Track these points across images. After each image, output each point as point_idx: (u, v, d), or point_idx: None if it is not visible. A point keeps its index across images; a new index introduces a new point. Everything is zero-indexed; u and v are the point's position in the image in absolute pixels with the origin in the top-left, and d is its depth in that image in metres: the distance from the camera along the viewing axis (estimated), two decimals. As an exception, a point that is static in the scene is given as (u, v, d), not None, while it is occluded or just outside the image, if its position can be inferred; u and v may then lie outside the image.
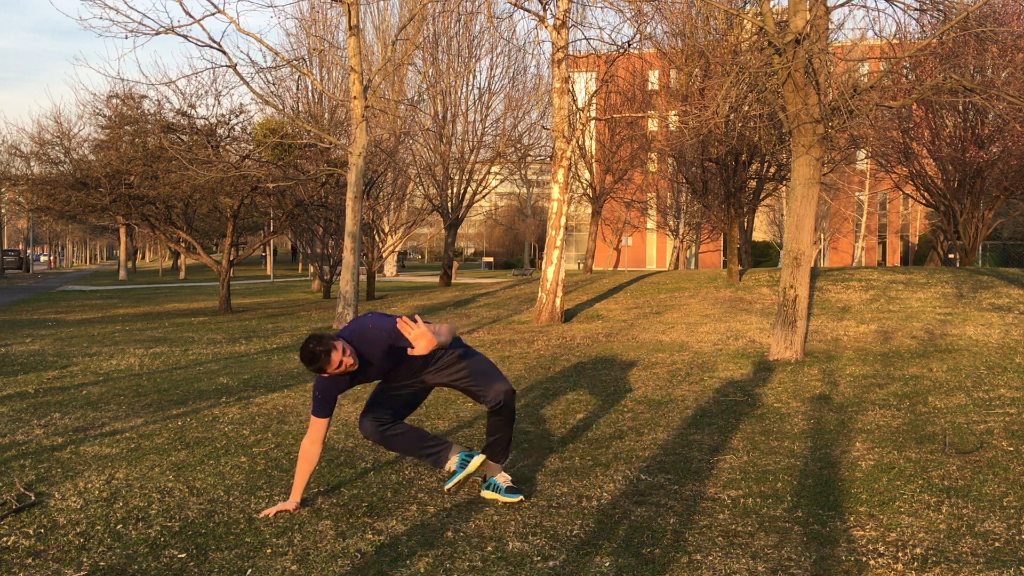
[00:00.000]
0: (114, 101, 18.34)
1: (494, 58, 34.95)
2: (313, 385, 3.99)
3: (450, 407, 6.34)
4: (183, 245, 19.46)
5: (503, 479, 4.09)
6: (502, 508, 3.93)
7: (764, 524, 3.64)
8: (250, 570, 3.23)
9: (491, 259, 59.24)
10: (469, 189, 25.94)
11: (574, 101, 14.06)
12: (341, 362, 3.72)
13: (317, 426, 3.97)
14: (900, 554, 3.27)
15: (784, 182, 16.52)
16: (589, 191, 27.56)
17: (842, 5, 8.19)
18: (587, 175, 27.59)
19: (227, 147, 17.87)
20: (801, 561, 3.21)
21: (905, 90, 11.48)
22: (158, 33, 12.01)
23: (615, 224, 36.34)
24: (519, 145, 25.88)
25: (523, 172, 37.48)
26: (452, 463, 4.16)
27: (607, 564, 3.20)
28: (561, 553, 3.32)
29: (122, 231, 44.81)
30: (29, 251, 55.72)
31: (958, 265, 20.29)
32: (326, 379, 3.89)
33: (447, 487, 4.11)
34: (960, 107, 18.27)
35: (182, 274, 47.11)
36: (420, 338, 3.74)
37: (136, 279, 44.08)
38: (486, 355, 8.95)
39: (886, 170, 22.34)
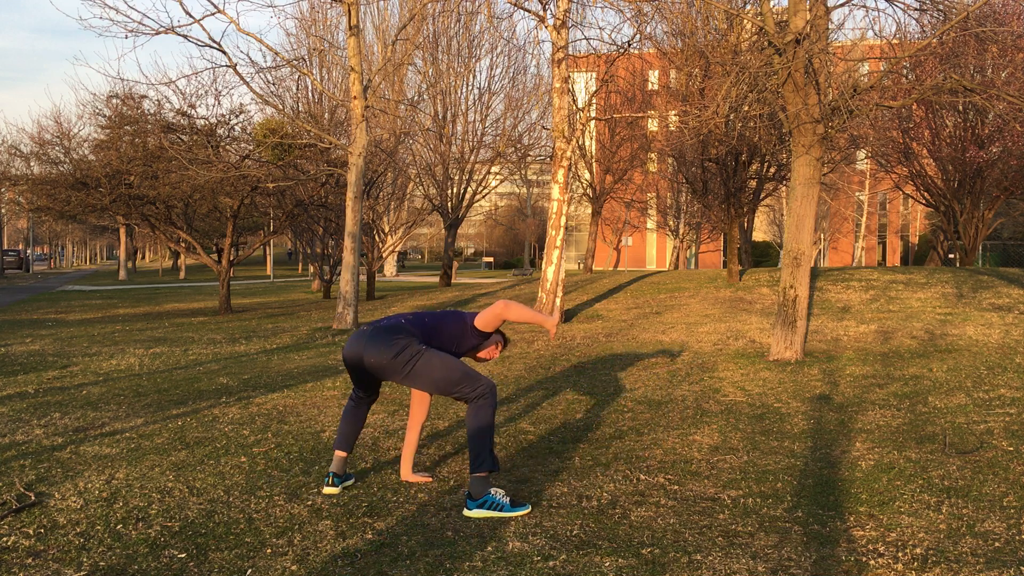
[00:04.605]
0: (114, 101, 18.33)
1: (494, 58, 34.94)
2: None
3: (450, 407, 6.34)
4: (183, 245, 19.46)
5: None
6: (502, 508, 3.93)
7: (764, 524, 3.64)
8: (250, 570, 3.23)
9: (491, 259, 59.28)
10: (469, 189, 25.93)
11: (574, 101, 14.04)
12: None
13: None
14: (900, 554, 3.27)
15: (784, 182, 16.52)
16: (589, 191, 27.55)
17: (842, 5, 8.19)
18: (587, 175, 27.57)
19: (227, 147, 17.87)
20: (801, 561, 3.21)
21: (905, 90, 11.47)
22: (158, 33, 12.03)
23: (615, 224, 36.34)
24: (519, 145, 25.87)
25: (523, 172, 37.47)
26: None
27: (607, 564, 3.20)
28: (561, 553, 3.32)
29: (122, 231, 44.82)
30: (30, 251, 55.71)
31: (958, 265, 20.28)
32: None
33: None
34: (960, 107, 18.26)
35: (182, 274, 47.15)
36: None
37: (136, 279, 44.09)
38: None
39: (886, 170, 22.33)
